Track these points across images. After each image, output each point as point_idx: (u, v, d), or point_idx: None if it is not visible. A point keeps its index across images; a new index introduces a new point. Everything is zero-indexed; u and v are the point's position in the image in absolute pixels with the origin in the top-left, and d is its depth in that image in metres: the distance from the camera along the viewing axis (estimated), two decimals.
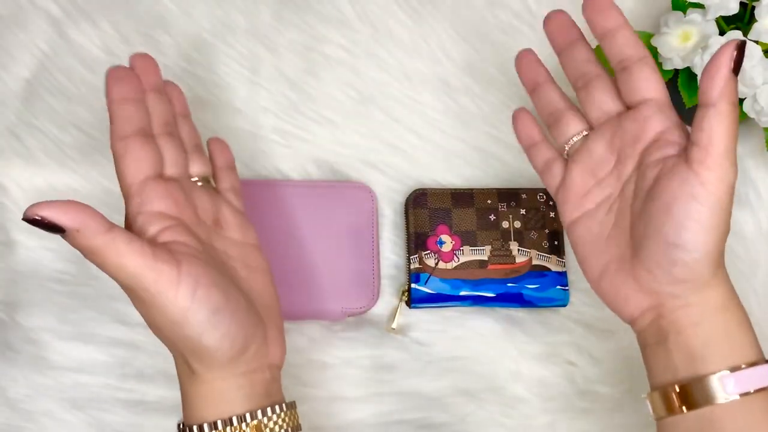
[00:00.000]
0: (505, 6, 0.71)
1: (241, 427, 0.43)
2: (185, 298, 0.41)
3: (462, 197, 0.64)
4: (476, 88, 0.69)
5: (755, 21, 0.60)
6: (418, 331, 0.63)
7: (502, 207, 0.64)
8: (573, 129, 0.50)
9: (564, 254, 0.64)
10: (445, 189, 0.65)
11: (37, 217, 0.38)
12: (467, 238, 0.63)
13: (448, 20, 0.70)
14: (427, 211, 0.63)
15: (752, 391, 0.42)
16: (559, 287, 0.62)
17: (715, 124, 0.41)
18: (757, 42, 0.59)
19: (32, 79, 0.66)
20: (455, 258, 0.62)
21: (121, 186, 0.46)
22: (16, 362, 0.59)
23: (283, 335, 0.49)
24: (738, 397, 0.42)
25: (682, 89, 0.62)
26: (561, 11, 0.50)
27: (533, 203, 0.64)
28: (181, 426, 0.46)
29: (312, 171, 0.66)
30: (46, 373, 0.59)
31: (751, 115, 0.60)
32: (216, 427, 0.43)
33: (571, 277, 0.64)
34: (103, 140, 0.65)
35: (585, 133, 0.50)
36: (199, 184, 0.50)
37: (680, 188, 0.42)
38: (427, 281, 0.61)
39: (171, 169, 0.47)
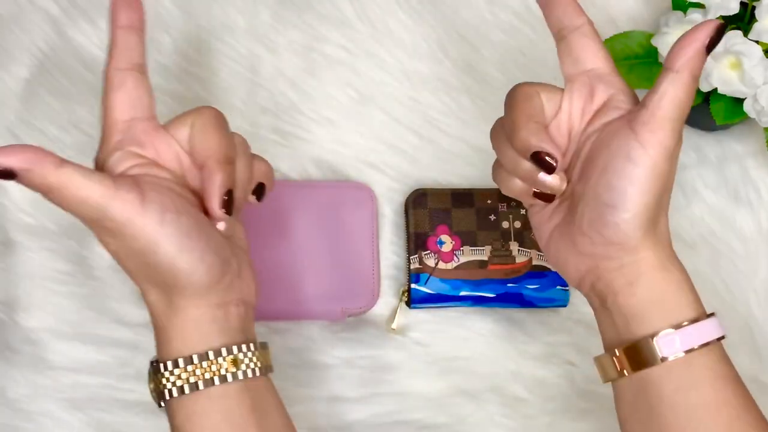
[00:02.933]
0: (505, 6, 0.71)
1: (217, 361, 0.43)
2: (153, 222, 0.40)
3: (462, 197, 0.64)
4: (476, 88, 0.69)
5: (755, 21, 0.60)
6: (418, 331, 0.63)
7: (502, 207, 0.64)
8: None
9: None
10: (445, 189, 0.64)
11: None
12: (467, 238, 0.63)
13: (448, 20, 0.70)
14: (427, 211, 0.63)
15: (683, 352, 0.42)
16: (559, 287, 0.62)
17: (670, 89, 0.41)
18: (757, 42, 0.59)
19: (32, 79, 0.65)
20: (455, 258, 0.62)
21: (104, 117, 0.45)
22: (15, 362, 0.59)
23: (255, 275, 0.48)
24: (675, 357, 0.42)
25: None
26: None
27: None
28: (155, 363, 0.44)
29: (312, 171, 0.65)
30: (46, 374, 0.59)
31: (751, 115, 0.60)
32: (192, 361, 0.43)
33: None
34: None
35: None
36: None
37: (618, 148, 0.42)
38: (427, 281, 0.61)
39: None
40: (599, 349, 0.63)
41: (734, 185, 0.67)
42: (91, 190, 0.40)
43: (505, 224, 0.64)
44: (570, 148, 0.47)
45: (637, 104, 0.44)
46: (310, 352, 0.61)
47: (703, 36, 0.41)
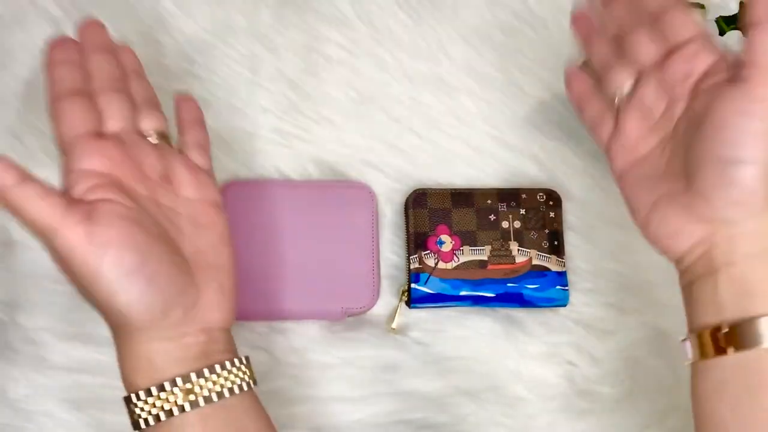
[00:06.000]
0: (505, 6, 0.71)
1: (173, 392, 0.43)
2: (95, 257, 0.41)
3: (462, 197, 0.64)
4: (476, 88, 0.69)
5: None
6: (418, 331, 0.63)
7: (502, 207, 0.64)
8: (622, 78, 0.50)
9: (564, 254, 0.64)
10: (445, 189, 0.65)
11: None
12: (467, 238, 0.63)
13: (448, 20, 0.70)
14: (427, 211, 0.63)
15: None
16: (559, 287, 0.62)
17: (764, 40, 0.41)
18: None
19: (32, 79, 0.66)
20: (455, 258, 0.62)
21: (57, 145, 0.46)
22: (16, 362, 0.59)
23: (229, 297, 0.48)
24: None
25: None
26: None
27: (533, 203, 0.64)
28: (135, 395, 0.45)
29: (312, 171, 0.66)
30: (46, 373, 0.59)
31: None
32: (150, 394, 0.43)
33: (571, 277, 0.64)
34: None
35: (633, 81, 0.50)
36: (154, 140, 0.49)
37: (732, 106, 0.42)
38: (427, 281, 0.61)
39: (113, 125, 0.47)
40: (599, 350, 0.63)
41: None
42: (43, 214, 0.41)
43: (505, 224, 0.64)
44: (674, 110, 0.48)
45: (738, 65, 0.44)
46: (311, 352, 0.62)
47: None
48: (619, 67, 0.50)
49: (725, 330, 0.42)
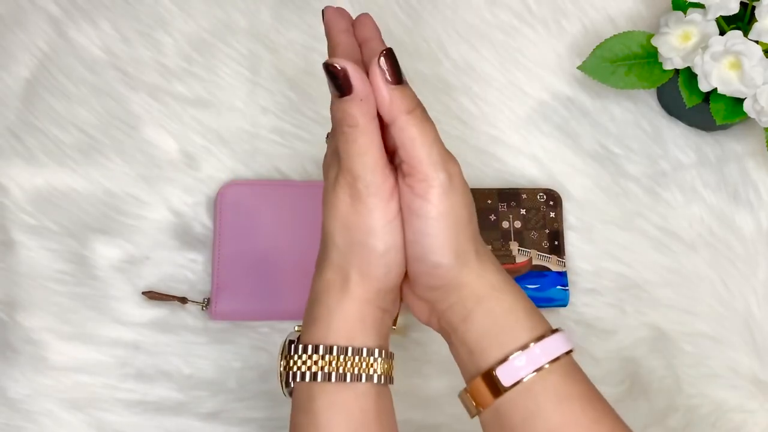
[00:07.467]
0: (505, 6, 0.70)
1: (368, 360, 0.43)
2: (393, 212, 0.42)
3: None
4: (476, 88, 0.69)
5: (755, 21, 0.60)
6: (418, 331, 0.63)
7: (502, 207, 0.64)
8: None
9: (564, 254, 0.64)
10: None
11: (338, 69, 0.43)
12: None
13: (448, 20, 0.70)
14: None
15: (524, 378, 0.41)
16: (559, 287, 0.62)
17: (402, 138, 0.42)
18: (757, 42, 0.59)
19: (32, 79, 0.66)
20: None
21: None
22: (16, 362, 0.59)
23: None
24: (518, 384, 0.41)
25: (683, 89, 0.62)
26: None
27: (533, 203, 0.64)
28: (296, 342, 0.44)
29: (312, 171, 0.65)
30: (46, 373, 0.59)
31: (751, 115, 0.60)
32: (346, 353, 0.43)
33: (571, 277, 0.64)
34: (103, 140, 0.65)
35: None
36: None
37: (404, 204, 0.42)
38: None
39: None
40: (599, 350, 0.63)
41: (734, 185, 0.67)
42: (374, 151, 0.41)
43: (505, 224, 0.64)
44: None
45: None
46: None
47: (379, 78, 0.43)
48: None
49: (472, 389, 0.43)
